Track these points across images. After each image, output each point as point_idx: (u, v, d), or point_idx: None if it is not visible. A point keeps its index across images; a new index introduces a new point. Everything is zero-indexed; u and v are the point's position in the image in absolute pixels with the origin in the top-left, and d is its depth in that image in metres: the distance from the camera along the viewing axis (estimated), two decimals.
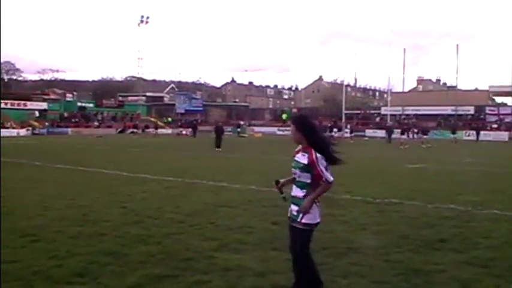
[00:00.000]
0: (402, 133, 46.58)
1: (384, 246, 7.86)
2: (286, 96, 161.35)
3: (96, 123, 79.26)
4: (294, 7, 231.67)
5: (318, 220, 5.36)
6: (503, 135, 63.85)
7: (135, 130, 73.79)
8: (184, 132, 68.18)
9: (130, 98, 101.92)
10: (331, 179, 5.24)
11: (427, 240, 8.28)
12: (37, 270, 6.39)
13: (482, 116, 75.53)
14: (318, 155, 5.22)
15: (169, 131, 77.30)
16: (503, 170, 21.69)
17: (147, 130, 71.21)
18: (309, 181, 5.27)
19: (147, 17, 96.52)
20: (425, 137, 48.97)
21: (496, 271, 6.59)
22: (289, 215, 5.48)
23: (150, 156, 28.41)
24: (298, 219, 5.29)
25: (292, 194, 5.41)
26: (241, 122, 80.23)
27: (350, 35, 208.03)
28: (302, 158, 5.28)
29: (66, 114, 79.81)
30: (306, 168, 5.24)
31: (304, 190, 5.30)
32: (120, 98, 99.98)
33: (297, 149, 5.43)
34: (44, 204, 11.14)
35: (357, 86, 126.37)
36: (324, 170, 5.20)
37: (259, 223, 9.45)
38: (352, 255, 7.27)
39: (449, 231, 8.93)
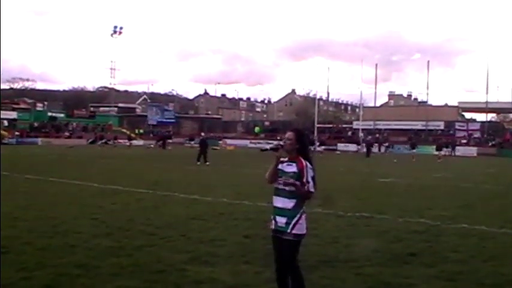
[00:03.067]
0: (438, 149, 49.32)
1: (355, 259, 7.92)
2: (258, 109, 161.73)
3: (66, 134, 78.31)
4: (267, 20, 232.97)
5: (305, 232, 5.40)
6: (472, 151, 64.84)
7: (107, 141, 73.16)
8: (151, 145, 67.15)
9: (102, 108, 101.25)
10: (313, 190, 5.31)
11: (397, 254, 8.38)
12: (6, 283, 6.31)
13: (451, 131, 76.61)
14: (308, 164, 5.32)
15: (141, 142, 76.81)
16: (473, 184, 22.00)
17: (120, 141, 70.60)
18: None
19: (121, 28, 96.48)
20: (414, 151, 49.90)
21: (463, 285, 6.70)
22: (273, 227, 5.43)
23: (121, 168, 28.19)
24: (288, 231, 5.28)
25: (279, 205, 5.37)
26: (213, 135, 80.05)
27: (323, 49, 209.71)
28: (289, 168, 5.34)
29: (36, 124, 78.84)
30: (296, 177, 5.29)
31: (294, 200, 5.31)
32: (92, 109, 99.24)
33: (280, 159, 5.44)
34: (14, 216, 10.98)
35: (330, 100, 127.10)
36: (310, 179, 5.28)
37: (230, 236, 9.46)
38: (323, 269, 7.31)
39: (419, 245, 9.04)
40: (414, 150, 51.68)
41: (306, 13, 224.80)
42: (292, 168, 5.31)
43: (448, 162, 43.30)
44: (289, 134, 5.47)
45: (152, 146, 65.23)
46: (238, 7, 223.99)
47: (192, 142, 69.37)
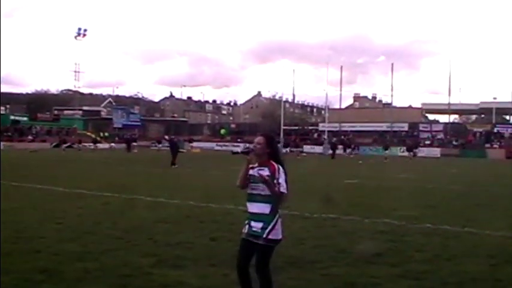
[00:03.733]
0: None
1: (322, 260, 7.98)
2: (224, 112, 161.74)
3: (30, 138, 77.12)
4: (234, 23, 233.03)
5: (281, 237, 5.40)
6: (436, 151, 65.89)
7: (71, 144, 72.19)
8: (91, 146, 65.92)
9: (66, 111, 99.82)
10: (285, 191, 5.30)
11: (363, 254, 8.45)
12: None
13: (415, 133, 77.64)
14: (281, 168, 5.34)
15: (106, 145, 76.04)
16: (437, 185, 22.31)
17: (85, 144, 69.72)
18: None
19: (85, 30, 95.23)
20: (387, 152, 51.25)
21: (428, 283, 6.81)
22: (245, 231, 5.40)
23: (86, 172, 27.88)
24: (264, 236, 5.26)
25: (254, 211, 5.35)
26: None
27: (288, 51, 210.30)
28: (261, 172, 5.32)
29: None
30: (270, 180, 5.28)
31: (269, 204, 5.30)
32: (56, 112, 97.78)
33: (250, 166, 5.43)
34: None
35: (296, 102, 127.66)
36: (282, 181, 5.29)
37: (197, 239, 9.43)
38: (290, 270, 7.34)
39: (385, 246, 9.14)
40: (387, 152, 52.84)
41: (272, 15, 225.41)
42: (265, 173, 5.30)
43: (412, 164, 43.83)
44: (259, 139, 5.47)
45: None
46: (204, 9, 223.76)
47: (160, 145, 68.99)
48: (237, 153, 5.50)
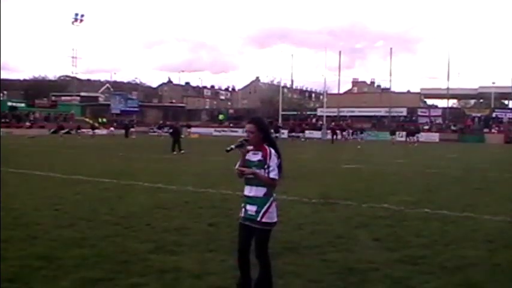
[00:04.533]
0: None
1: (320, 245, 7.97)
2: (223, 97, 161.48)
3: (28, 124, 77.06)
4: (232, 8, 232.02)
5: (276, 220, 5.39)
6: (434, 136, 65.94)
7: (69, 131, 72.03)
8: (89, 132, 65.51)
9: (64, 97, 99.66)
10: (276, 177, 5.28)
11: (362, 239, 8.45)
12: None
13: (414, 118, 77.61)
14: (273, 151, 5.30)
15: (104, 131, 75.97)
16: (435, 170, 22.32)
17: (82, 131, 69.58)
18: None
19: (82, 15, 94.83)
20: (393, 137, 53.39)
21: (426, 268, 6.79)
22: (242, 215, 5.42)
23: (84, 158, 27.87)
24: (258, 219, 5.26)
25: (250, 194, 5.34)
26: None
27: (287, 36, 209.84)
28: (254, 157, 5.32)
29: None
30: (261, 165, 5.27)
31: (264, 188, 5.29)
32: (54, 98, 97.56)
33: (243, 145, 5.38)
34: None
35: (294, 87, 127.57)
36: (274, 166, 5.26)
37: (195, 224, 9.42)
38: (288, 255, 7.33)
39: (383, 231, 9.14)
40: (394, 136, 53.75)
41: (270, 0, 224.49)
42: (257, 157, 5.30)
43: (412, 149, 43.85)
44: (249, 127, 5.39)
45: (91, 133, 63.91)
46: None
47: (160, 131, 68.93)
48: (231, 149, 5.43)
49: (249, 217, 5.33)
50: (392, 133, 56.96)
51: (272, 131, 56.44)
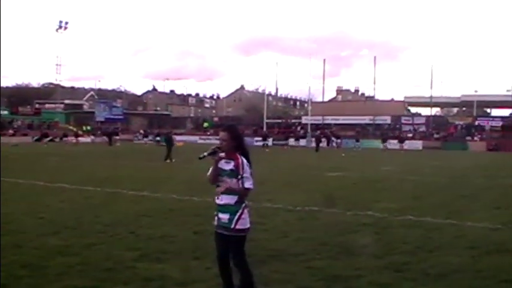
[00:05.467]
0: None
1: (305, 253, 7.99)
2: (207, 105, 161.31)
3: (11, 131, 76.39)
4: (216, 15, 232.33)
5: (249, 225, 5.41)
6: (418, 144, 66.32)
7: (53, 138, 71.53)
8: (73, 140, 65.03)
9: (47, 105, 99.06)
10: (251, 186, 5.32)
11: (346, 246, 8.48)
12: None
13: (398, 126, 78.04)
14: (245, 161, 5.32)
15: (88, 139, 75.55)
16: (419, 177, 22.46)
17: (66, 138, 69.10)
18: (237, 186, 5.32)
19: (66, 23, 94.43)
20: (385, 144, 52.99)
21: (410, 275, 6.83)
22: (215, 223, 5.45)
23: (68, 165, 27.70)
24: (232, 226, 5.29)
25: (221, 202, 5.36)
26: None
27: (272, 44, 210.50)
28: (227, 165, 5.34)
29: None
30: (233, 174, 5.30)
31: (235, 196, 5.32)
32: (37, 105, 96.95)
33: (216, 152, 5.40)
34: None
35: (279, 95, 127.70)
36: (247, 175, 5.30)
37: (180, 232, 9.41)
38: (273, 263, 7.34)
39: (368, 238, 9.18)
40: (386, 144, 55.31)
41: (256, 9, 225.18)
42: (229, 166, 5.33)
43: (396, 156, 44.09)
44: (222, 134, 5.42)
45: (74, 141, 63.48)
46: (188, 2, 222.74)
47: (146, 139, 68.75)
48: (203, 157, 5.45)
49: (223, 225, 5.37)
50: (384, 140, 59.54)
51: (260, 138, 57.91)
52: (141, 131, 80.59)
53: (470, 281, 6.63)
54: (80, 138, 67.15)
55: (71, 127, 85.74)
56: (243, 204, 5.39)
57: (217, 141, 5.49)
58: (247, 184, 5.31)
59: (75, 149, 49.78)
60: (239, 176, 5.29)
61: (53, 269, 6.81)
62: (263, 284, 6.27)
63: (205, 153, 5.40)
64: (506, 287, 6.47)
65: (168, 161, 30.41)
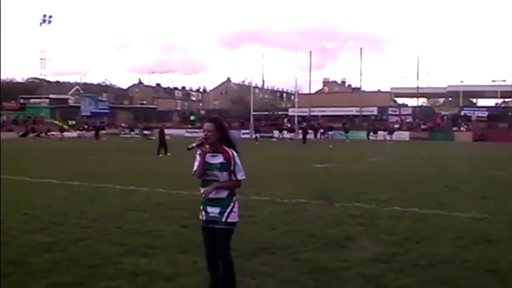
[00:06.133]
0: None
1: (292, 245, 7.99)
2: (194, 98, 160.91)
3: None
4: (201, 8, 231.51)
5: (237, 219, 5.40)
6: (405, 135, 66.60)
7: (39, 133, 71.10)
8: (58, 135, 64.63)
9: (32, 100, 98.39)
10: (243, 177, 5.32)
11: (334, 238, 8.49)
12: None
13: (385, 117, 78.28)
14: (234, 153, 5.30)
15: (74, 134, 75.12)
16: (406, 168, 22.55)
17: (52, 133, 68.68)
18: (228, 179, 5.30)
19: (50, 16, 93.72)
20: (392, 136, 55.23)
21: (397, 266, 6.85)
22: (203, 218, 5.39)
23: (54, 161, 27.53)
24: (223, 220, 5.25)
25: (212, 196, 5.29)
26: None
27: (257, 37, 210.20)
28: (214, 159, 5.29)
29: None
30: (224, 167, 5.27)
31: (227, 190, 5.31)
32: (22, 101, 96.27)
33: (201, 152, 5.35)
34: None
35: (265, 87, 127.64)
36: (239, 167, 5.29)
37: (167, 227, 9.38)
38: (261, 256, 7.34)
39: (355, 229, 9.20)
40: (376, 134, 60.12)
41: (240, 1, 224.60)
42: (218, 159, 5.28)
43: (382, 147, 44.24)
44: (208, 125, 5.36)
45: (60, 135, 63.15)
46: None
47: (132, 133, 68.59)
48: (192, 147, 5.40)
49: (212, 219, 5.32)
50: (375, 132, 62.55)
51: (247, 131, 58.59)
52: (123, 125, 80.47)
53: (457, 271, 6.65)
54: (65, 133, 66.70)
55: (56, 122, 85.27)
56: (234, 198, 5.38)
57: (194, 143, 5.43)
58: (240, 175, 5.30)
59: (61, 144, 49.50)
60: (231, 168, 5.26)
61: (40, 266, 6.75)
62: (251, 277, 6.27)
63: (194, 144, 5.36)
64: (493, 276, 6.50)
65: (161, 155, 30.26)
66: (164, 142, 31.67)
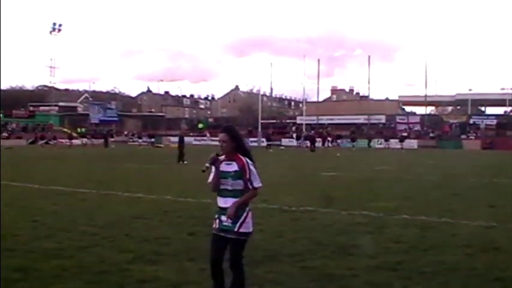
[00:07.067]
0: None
1: (300, 253, 7.99)
2: (202, 106, 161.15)
3: (5, 134, 75.99)
4: (208, 16, 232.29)
5: (252, 229, 5.38)
6: (413, 143, 66.36)
7: (48, 141, 71.14)
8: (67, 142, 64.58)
9: (42, 107, 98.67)
10: (259, 184, 5.33)
11: (341, 246, 8.48)
12: None
13: (393, 125, 78.07)
14: (249, 161, 5.31)
15: (84, 141, 75.13)
16: (413, 176, 22.48)
17: (61, 141, 68.71)
18: (241, 188, 5.30)
19: (60, 25, 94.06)
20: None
21: (405, 274, 6.84)
22: (217, 226, 5.37)
23: (63, 168, 27.62)
24: (235, 229, 5.23)
25: (224, 205, 5.30)
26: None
27: (266, 45, 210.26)
28: (229, 167, 5.30)
29: None
30: (238, 175, 5.27)
31: (238, 198, 5.30)
32: (31, 108, 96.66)
33: (217, 160, 5.36)
34: None
35: (273, 95, 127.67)
36: (255, 175, 5.29)
37: (175, 234, 9.39)
38: (268, 263, 7.34)
39: (362, 237, 9.18)
40: (388, 142, 61.64)
41: (249, 10, 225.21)
42: (233, 168, 5.28)
43: (390, 155, 44.13)
44: (222, 136, 5.37)
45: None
46: (181, 4, 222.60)
47: (140, 140, 68.67)
48: (206, 168, 5.41)
49: (224, 228, 5.30)
50: (386, 140, 63.57)
51: (264, 139, 59.09)
52: (125, 132, 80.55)
53: (465, 280, 6.63)
54: (73, 141, 66.75)
55: (65, 129, 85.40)
56: (248, 208, 5.37)
57: (213, 142, 5.47)
58: (256, 183, 5.31)
59: (69, 151, 49.62)
60: (246, 176, 5.26)
61: (47, 272, 6.79)
62: (258, 285, 6.27)
63: (207, 164, 5.37)
64: (501, 285, 6.48)
65: (181, 162, 30.17)
66: (182, 150, 31.49)
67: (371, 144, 63.34)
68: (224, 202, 5.33)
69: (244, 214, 5.31)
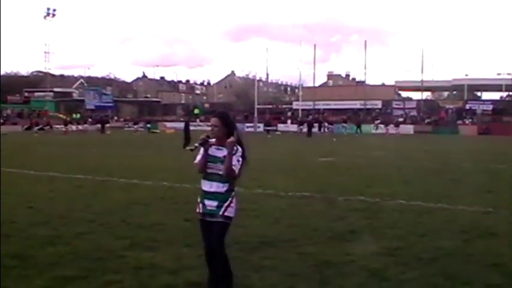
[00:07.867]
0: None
1: (296, 239, 7.98)
2: (198, 92, 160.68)
3: (0, 121, 75.89)
4: (205, 1, 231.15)
5: (234, 214, 5.40)
6: (409, 129, 66.40)
7: (43, 127, 70.87)
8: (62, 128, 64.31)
9: (37, 93, 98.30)
10: (235, 170, 5.26)
11: (338, 232, 8.47)
12: None
13: (389, 110, 78.04)
14: (239, 147, 5.28)
15: (79, 127, 74.96)
16: (410, 162, 22.49)
17: (56, 126, 68.42)
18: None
19: (54, 10, 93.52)
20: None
21: (401, 259, 6.84)
22: (201, 211, 5.39)
23: (58, 154, 27.54)
24: (220, 213, 5.26)
25: (210, 189, 5.32)
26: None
27: (262, 30, 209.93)
28: (219, 152, 5.30)
29: None
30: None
31: (227, 184, 5.30)
32: (26, 94, 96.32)
33: (207, 142, 5.33)
34: None
35: (269, 81, 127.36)
36: (236, 162, 5.23)
37: (171, 220, 9.37)
38: (264, 249, 7.32)
39: (359, 223, 9.18)
40: (388, 127, 61.11)
41: None
42: (223, 153, 5.27)
43: (387, 140, 44.17)
44: (214, 121, 5.38)
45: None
46: None
47: (136, 126, 68.54)
48: (195, 148, 5.38)
49: (209, 212, 5.33)
50: (387, 124, 63.49)
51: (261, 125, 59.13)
52: (116, 118, 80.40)
53: (462, 265, 6.64)
54: (69, 126, 66.51)
55: (60, 115, 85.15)
56: (233, 193, 5.38)
57: (208, 127, 5.44)
58: (235, 166, 5.24)
59: (65, 137, 49.52)
60: (233, 153, 5.21)
61: (43, 259, 6.76)
62: (254, 271, 6.26)
63: (196, 144, 5.35)
64: (498, 270, 6.47)
65: (187, 148, 29.93)
66: (188, 135, 31.32)
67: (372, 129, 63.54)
68: (210, 186, 5.35)
69: (230, 199, 5.33)
